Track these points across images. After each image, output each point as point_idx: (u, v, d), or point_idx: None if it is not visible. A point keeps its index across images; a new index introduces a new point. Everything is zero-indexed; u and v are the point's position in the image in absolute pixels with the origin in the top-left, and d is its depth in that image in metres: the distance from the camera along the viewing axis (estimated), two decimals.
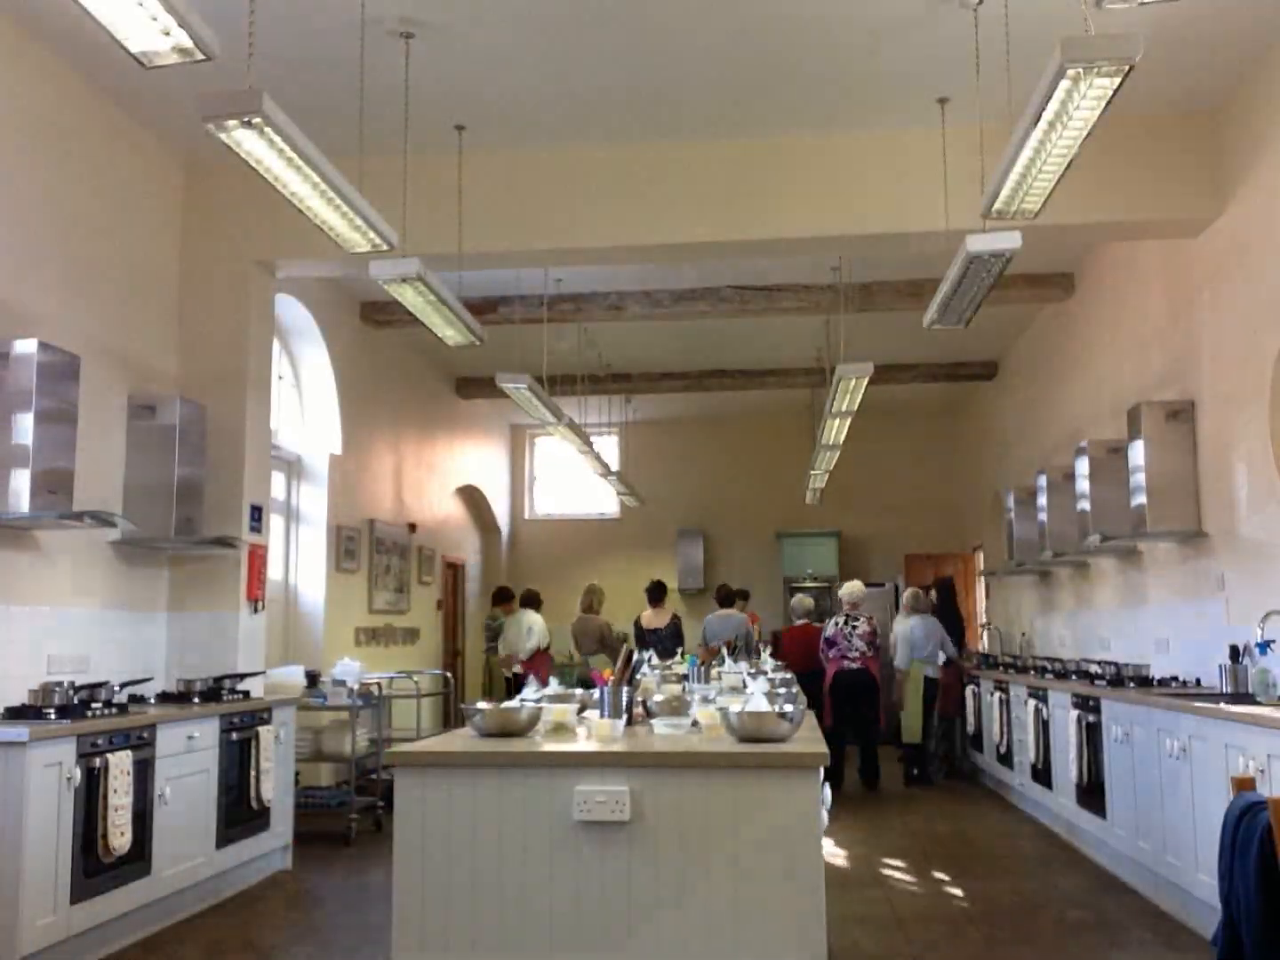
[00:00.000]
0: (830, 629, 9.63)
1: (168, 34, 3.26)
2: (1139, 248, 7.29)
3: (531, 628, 10.10)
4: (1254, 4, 5.05)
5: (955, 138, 5.88)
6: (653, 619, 10.13)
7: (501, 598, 11.11)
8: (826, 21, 5.19)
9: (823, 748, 3.27)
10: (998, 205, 4.52)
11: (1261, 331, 5.55)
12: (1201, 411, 6.36)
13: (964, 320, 5.86)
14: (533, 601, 10.39)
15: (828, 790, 3.31)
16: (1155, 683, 6.32)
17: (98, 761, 4.61)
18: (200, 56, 3.36)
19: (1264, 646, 5.23)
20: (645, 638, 9.85)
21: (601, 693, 3.88)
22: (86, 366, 5.45)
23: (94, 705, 4.87)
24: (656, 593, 10.23)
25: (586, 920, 3.16)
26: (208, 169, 6.59)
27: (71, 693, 4.83)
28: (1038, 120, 3.84)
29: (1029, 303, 9.14)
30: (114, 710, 4.95)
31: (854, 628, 9.49)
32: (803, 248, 6.61)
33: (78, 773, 4.47)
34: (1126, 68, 3.45)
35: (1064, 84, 3.57)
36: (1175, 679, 6.35)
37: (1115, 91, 3.61)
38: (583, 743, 3.48)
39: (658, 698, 4.24)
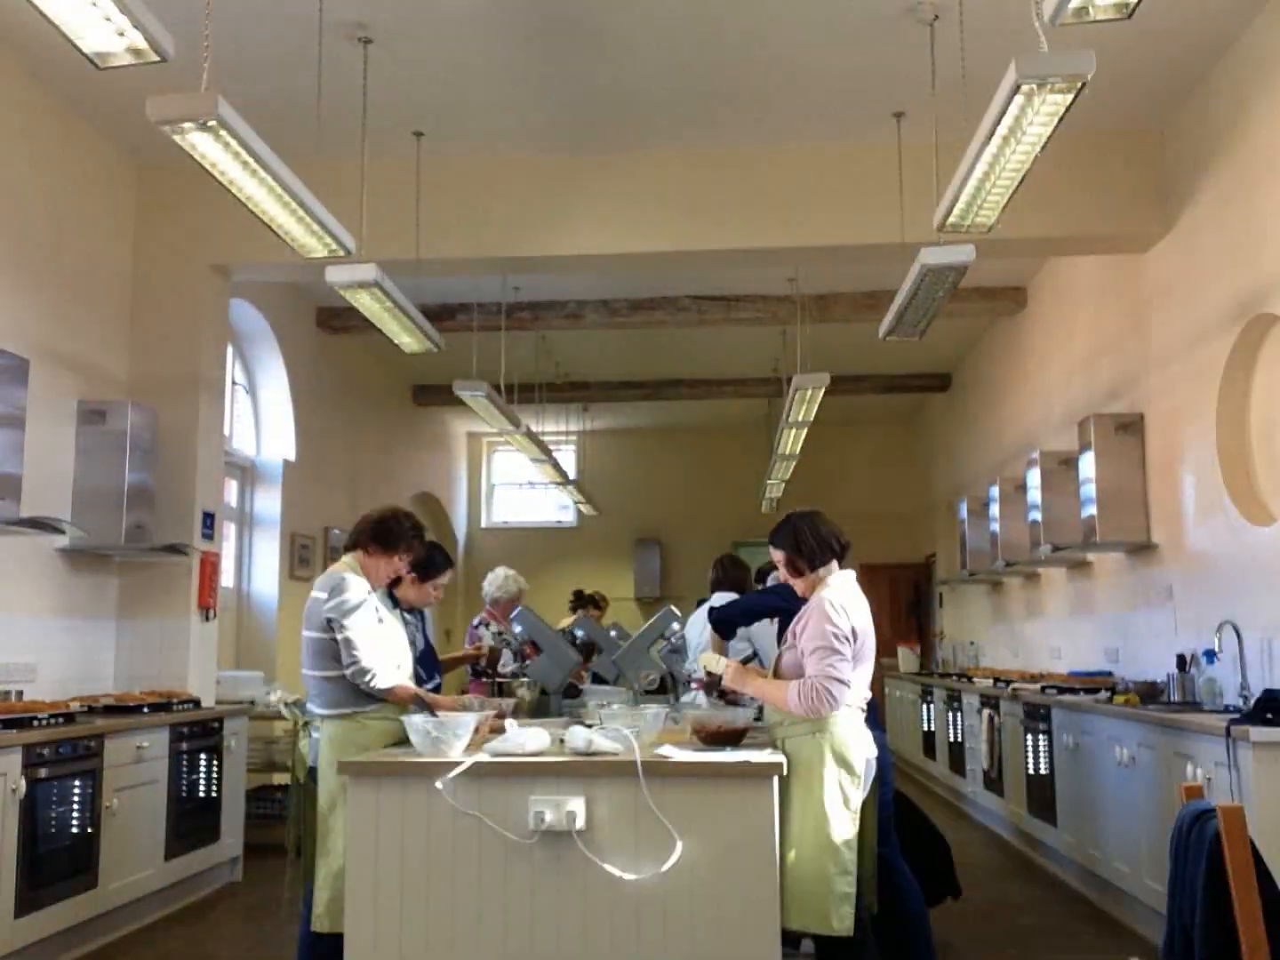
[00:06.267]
0: None
1: (122, 34, 3.23)
2: (1089, 262, 7.40)
3: None
4: (1198, 24, 5.15)
5: (911, 151, 5.94)
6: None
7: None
8: (783, 35, 5.23)
9: (779, 758, 3.28)
10: (952, 219, 4.57)
11: (1208, 346, 5.65)
12: (1150, 424, 6.46)
13: (919, 332, 5.92)
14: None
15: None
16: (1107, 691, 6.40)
17: (43, 772, 4.53)
18: (154, 58, 3.33)
19: (1210, 656, 5.32)
20: None
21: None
22: (35, 370, 5.36)
23: (39, 715, 4.78)
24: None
25: (541, 931, 3.14)
26: (162, 172, 6.52)
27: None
28: (992, 135, 3.89)
29: (982, 315, 9.25)
30: (60, 720, 4.87)
31: None
32: (760, 259, 6.65)
33: (22, 784, 4.39)
34: (1079, 84, 3.50)
35: (1018, 100, 3.62)
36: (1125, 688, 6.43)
37: (1068, 108, 3.66)
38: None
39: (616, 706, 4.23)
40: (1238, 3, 5.00)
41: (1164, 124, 6.12)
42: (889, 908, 3.87)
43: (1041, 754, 6.55)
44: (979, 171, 4.16)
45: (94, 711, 5.38)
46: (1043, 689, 6.73)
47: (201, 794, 5.89)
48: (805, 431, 8.91)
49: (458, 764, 3.19)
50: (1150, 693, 5.67)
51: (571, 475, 11.94)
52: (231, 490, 8.27)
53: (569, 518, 14.89)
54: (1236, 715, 4.42)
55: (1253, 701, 4.48)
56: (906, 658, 11.85)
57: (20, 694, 5.10)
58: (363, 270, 5.18)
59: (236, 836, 6.32)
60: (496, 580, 6.45)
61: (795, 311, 8.46)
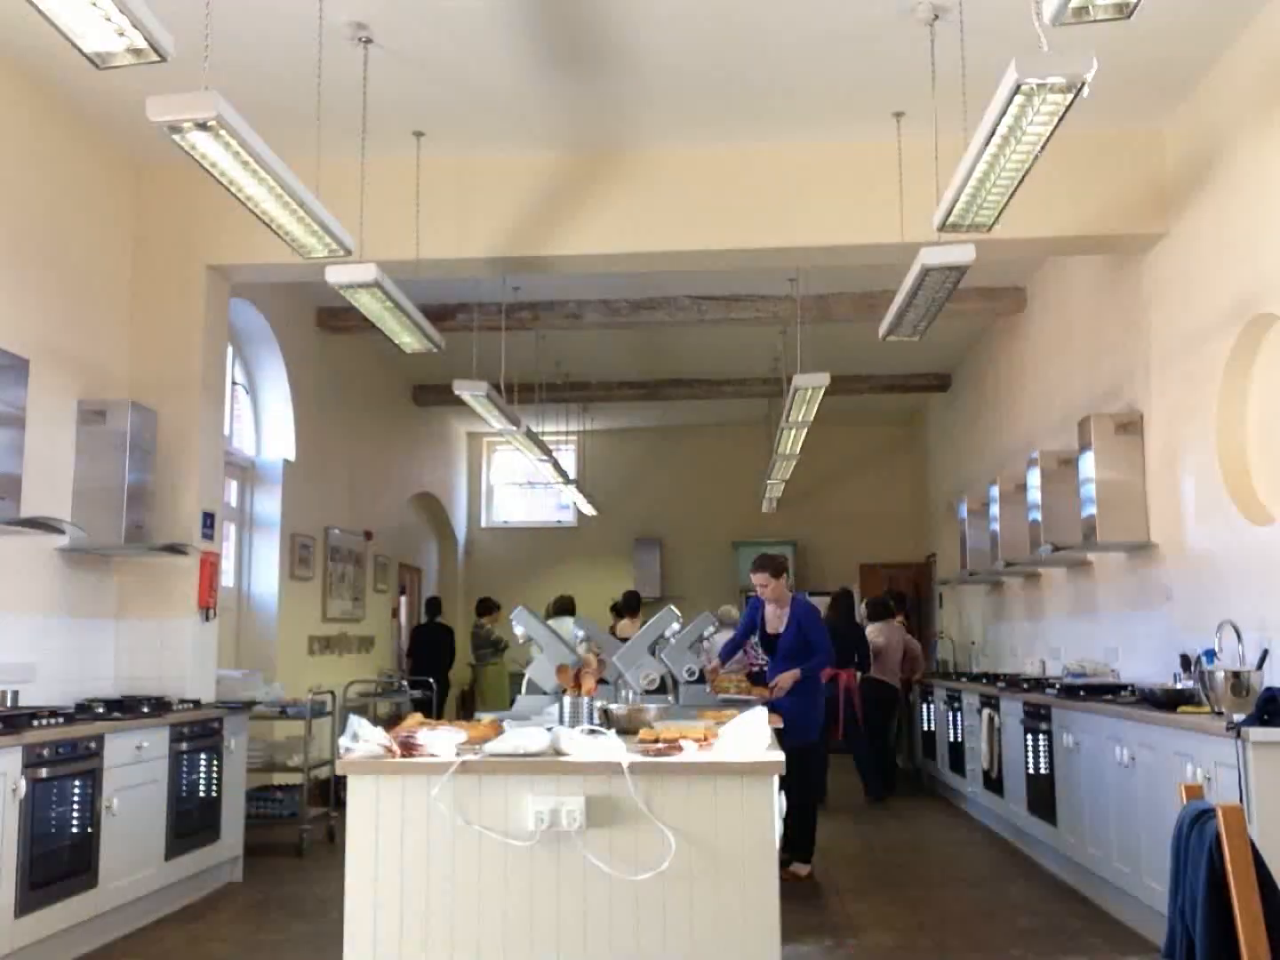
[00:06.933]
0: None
1: (122, 34, 3.23)
2: (1089, 262, 7.40)
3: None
4: (1198, 24, 5.15)
5: (911, 151, 5.94)
6: (628, 629, 10.08)
7: (486, 608, 10.99)
8: (783, 35, 5.23)
9: (778, 756, 3.28)
10: (952, 219, 4.57)
11: (1208, 346, 5.65)
12: (1150, 424, 6.46)
13: (918, 332, 5.92)
14: (569, 609, 10.11)
15: (782, 799, 3.32)
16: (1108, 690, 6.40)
17: (43, 772, 4.53)
18: (154, 58, 3.33)
19: (1210, 655, 5.31)
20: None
21: (561, 703, 3.87)
22: (35, 369, 5.36)
23: (40, 716, 4.79)
24: (632, 603, 10.17)
25: (540, 930, 3.14)
26: (162, 172, 6.52)
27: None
28: (992, 135, 3.89)
29: (982, 315, 9.25)
30: (60, 720, 4.87)
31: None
32: (760, 258, 6.65)
33: (23, 784, 4.39)
34: (1079, 84, 3.51)
35: (1018, 100, 3.62)
36: (1125, 687, 6.43)
37: (1068, 108, 3.67)
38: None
39: (614, 706, 4.23)
40: (1237, 2, 5.00)
41: (1164, 124, 6.12)
42: None
43: (1041, 754, 6.55)
44: (979, 171, 4.16)
45: (93, 711, 5.38)
46: (1043, 689, 6.73)
47: (201, 794, 5.88)
48: (805, 431, 8.91)
49: (455, 764, 3.19)
50: (1179, 698, 5.14)
51: (571, 475, 11.95)
52: (231, 490, 8.27)
53: (569, 518, 14.89)
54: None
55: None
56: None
57: (16, 694, 5.10)
58: (363, 270, 5.18)
59: (236, 836, 6.32)
60: None
61: (795, 311, 8.46)
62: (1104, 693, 6.03)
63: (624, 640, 9.78)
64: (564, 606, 10.17)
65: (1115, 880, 5.42)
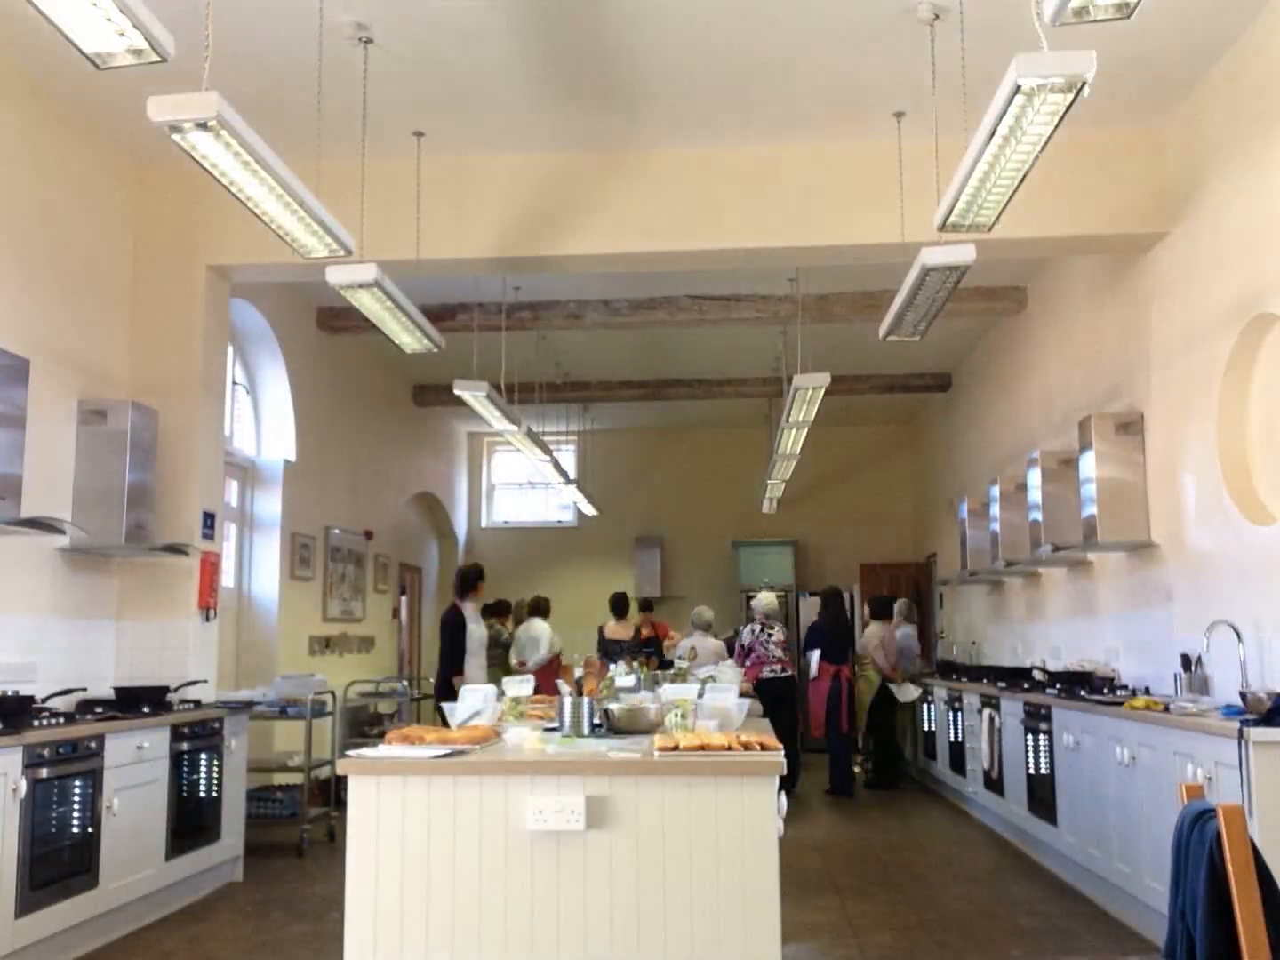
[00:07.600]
0: (746, 637, 9.89)
1: (122, 35, 3.23)
2: (1089, 262, 7.40)
3: (539, 637, 9.88)
4: (1198, 23, 5.15)
5: (911, 151, 5.94)
6: (616, 630, 10.12)
7: (498, 610, 11.00)
8: (783, 35, 5.23)
9: (778, 756, 3.28)
10: (952, 219, 4.57)
11: (1208, 346, 5.65)
12: (1150, 424, 6.46)
13: (919, 332, 5.92)
14: (541, 610, 10.20)
15: (783, 798, 3.32)
16: (1105, 689, 6.40)
17: (44, 772, 4.53)
18: (154, 58, 3.33)
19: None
20: (608, 648, 9.83)
21: (561, 704, 3.87)
22: (36, 370, 5.36)
23: (40, 715, 4.79)
24: (620, 604, 10.21)
25: (541, 930, 3.14)
26: (162, 172, 6.52)
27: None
28: (992, 135, 3.89)
29: (982, 315, 9.25)
30: (61, 720, 4.87)
31: (769, 635, 9.82)
32: (760, 258, 6.65)
33: (23, 784, 4.39)
34: (1080, 84, 3.51)
35: (1018, 100, 3.62)
36: (1124, 686, 6.44)
37: (1068, 108, 3.67)
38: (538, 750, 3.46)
39: (612, 705, 4.23)
40: (1238, 2, 5.00)
41: (1164, 124, 6.12)
42: None
43: (1042, 754, 6.55)
44: (979, 171, 4.16)
45: (94, 711, 5.38)
46: (1044, 688, 6.73)
47: (201, 794, 5.89)
48: (805, 431, 8.91)
49: (456, 764, 3.19)
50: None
51: (572, 475, 11.95)
52: (232, 490, 8.27)
53: (569, 518, 14.89)
54: (1235, 715, 4.42)
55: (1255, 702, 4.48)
56: (905, 691, 10.85)
57: (17, 694, 5.10)
58: (363, 270, 5.18)
59: (236, 836, 6.32)
60: None
61: (795, 311, 8.46)
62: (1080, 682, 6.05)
63: (615, 642, 9.90)
64: (537, 608, 10.18)
65: (1115, 880, 5.42)
